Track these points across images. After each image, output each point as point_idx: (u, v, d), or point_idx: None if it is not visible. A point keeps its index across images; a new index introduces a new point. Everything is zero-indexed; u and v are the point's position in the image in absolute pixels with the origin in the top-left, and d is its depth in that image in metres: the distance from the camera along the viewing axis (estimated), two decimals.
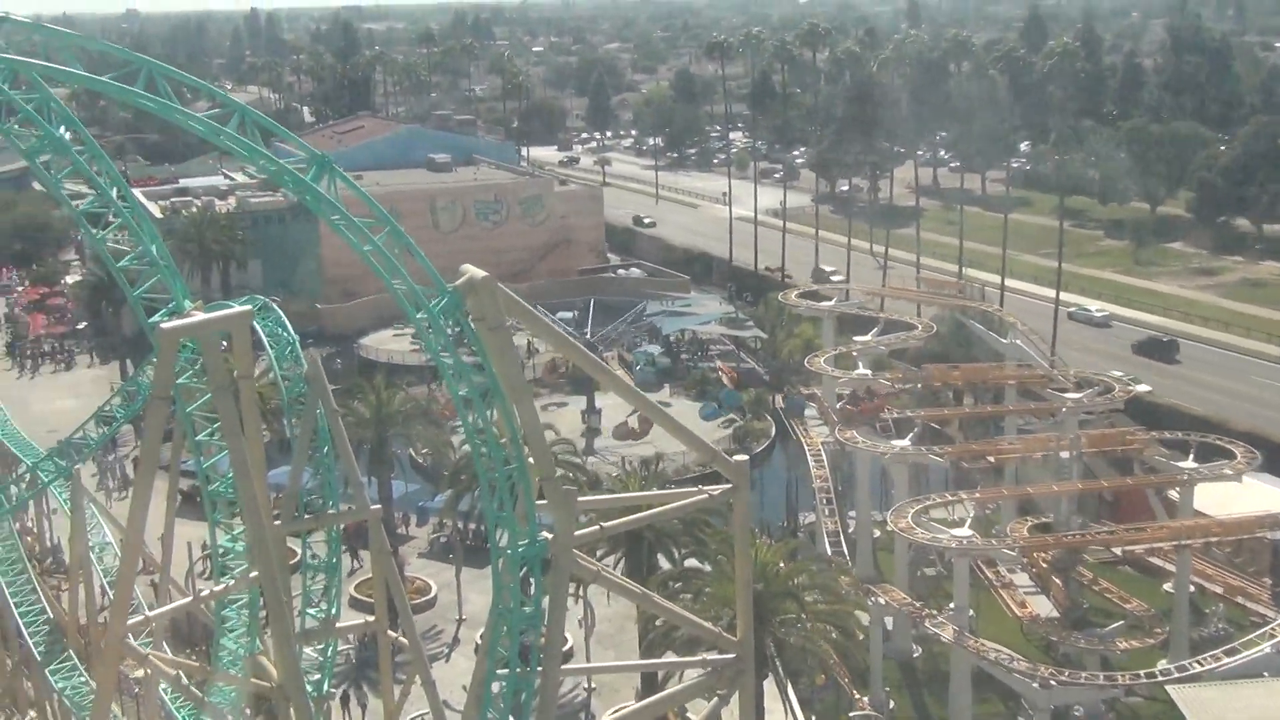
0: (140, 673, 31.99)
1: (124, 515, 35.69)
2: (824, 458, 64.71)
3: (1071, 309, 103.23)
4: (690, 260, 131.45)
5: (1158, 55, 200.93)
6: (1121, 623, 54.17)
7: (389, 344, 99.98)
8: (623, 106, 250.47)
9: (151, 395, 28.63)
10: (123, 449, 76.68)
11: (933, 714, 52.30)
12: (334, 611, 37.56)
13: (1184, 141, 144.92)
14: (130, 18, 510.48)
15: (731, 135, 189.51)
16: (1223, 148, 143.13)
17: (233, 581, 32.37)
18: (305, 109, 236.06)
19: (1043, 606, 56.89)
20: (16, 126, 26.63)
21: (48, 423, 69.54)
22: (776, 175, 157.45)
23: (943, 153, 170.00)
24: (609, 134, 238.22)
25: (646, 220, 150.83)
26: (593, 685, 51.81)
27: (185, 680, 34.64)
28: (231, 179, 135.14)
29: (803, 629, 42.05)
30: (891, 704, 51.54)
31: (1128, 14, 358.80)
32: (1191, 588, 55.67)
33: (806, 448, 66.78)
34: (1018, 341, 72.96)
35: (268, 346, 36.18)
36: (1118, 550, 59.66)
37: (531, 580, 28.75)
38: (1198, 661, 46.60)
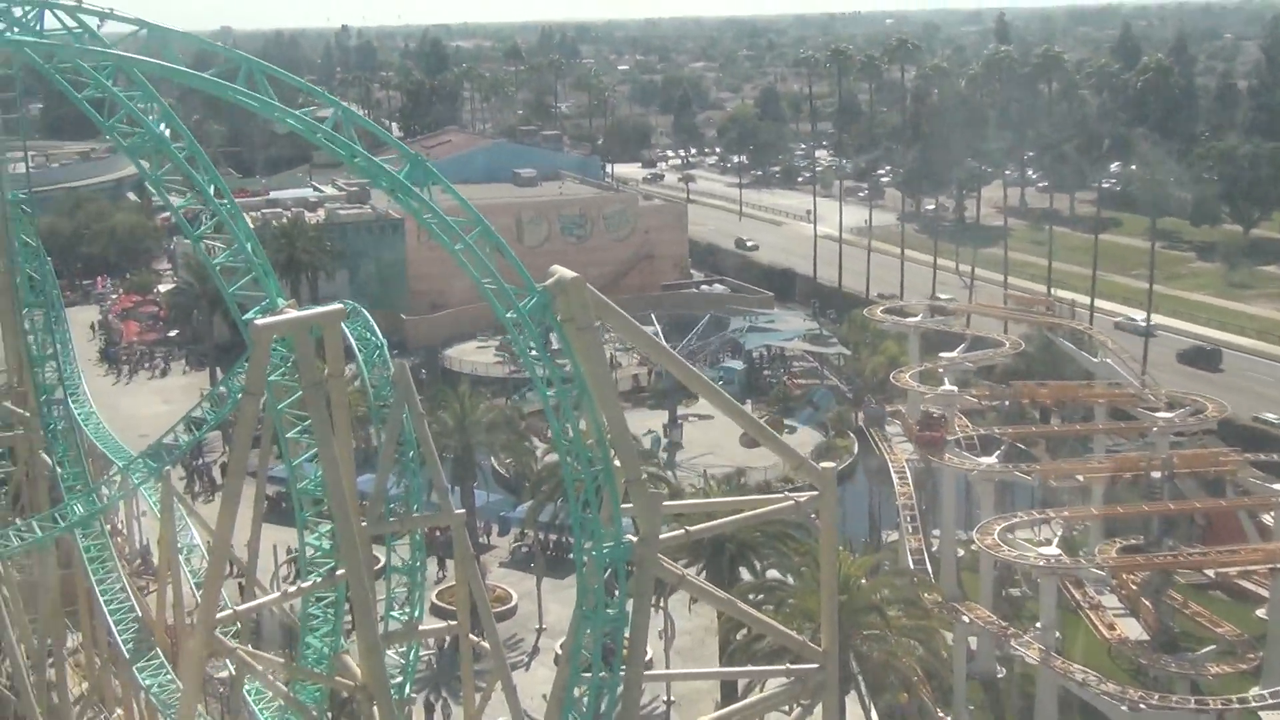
0: (225, 673, 32.27)
1: (211, 518, 36.15)
2: (908, 474, 64.04)
3: (1118, 319, 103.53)
4: (773, 277, 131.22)
5: (1252, 76, 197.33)
6: (1213, 647, 53.02)
7: (472, 355, 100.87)
8: (707, 124, 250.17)
9: (244, 391, 28.93)
10: (210, 455, 77.93)
11: None
12: (417, 615, 37.66)
13: (1279, 163, 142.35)
14: (224, 34, 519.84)
15: (816, 153, 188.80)
16: None
17: (319, 579, 32.52)
18: (394, 123, 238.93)
19: (1132, 629, 55.67)
20: (120, 124, 27.10)
21: (139, 427, 70.64)
22: (861, 193, 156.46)
23: (1030, 172, 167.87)
24: (693, 151, 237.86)
25: (750, 244, 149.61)
26: (672, 699, 51.62)
27: (270, 677, 34.84)
28: (321, 191, 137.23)
29: (886, 644, 41.58)
30: None
31: (1220, 35, 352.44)
32: None
33: (890, 464, 66.13)
34: (1109, 361, 72.09)
35: (356, 350, 36.45)
36: (1210, 573, 58.53)
37: (616, 583, 28.65)
38: None
